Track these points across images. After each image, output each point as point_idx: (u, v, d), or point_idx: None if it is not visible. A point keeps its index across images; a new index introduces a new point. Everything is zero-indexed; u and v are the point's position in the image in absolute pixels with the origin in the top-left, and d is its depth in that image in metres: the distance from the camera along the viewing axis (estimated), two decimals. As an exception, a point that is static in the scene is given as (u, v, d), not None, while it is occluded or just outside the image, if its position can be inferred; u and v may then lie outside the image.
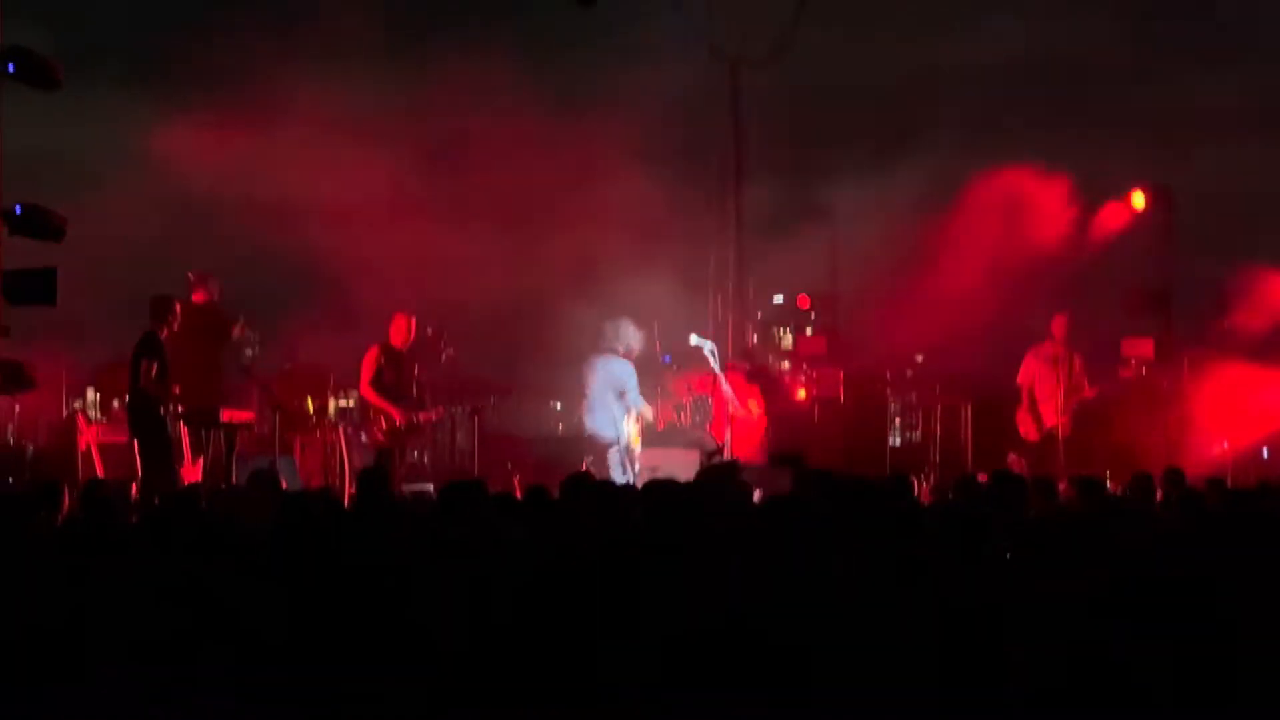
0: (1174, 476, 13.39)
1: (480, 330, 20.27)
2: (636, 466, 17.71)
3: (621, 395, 18.19)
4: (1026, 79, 20.88)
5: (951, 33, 21.05)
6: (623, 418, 18.00)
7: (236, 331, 18.26)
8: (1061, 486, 12.96)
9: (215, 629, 8.14)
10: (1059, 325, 19.50)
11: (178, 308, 17.42)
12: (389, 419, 17.93)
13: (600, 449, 18.12)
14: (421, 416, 18.33)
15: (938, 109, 21.19)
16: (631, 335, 18.34)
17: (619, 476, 17.52)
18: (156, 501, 13.60)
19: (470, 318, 20.15)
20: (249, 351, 19.48)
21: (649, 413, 18.39)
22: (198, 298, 18.05)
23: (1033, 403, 19.39)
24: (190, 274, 18.14)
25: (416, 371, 18.54)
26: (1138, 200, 21.49)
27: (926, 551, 8.37)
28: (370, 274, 20.62)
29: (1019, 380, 19.56)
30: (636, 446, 18.01)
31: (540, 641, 7.79)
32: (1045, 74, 20.92)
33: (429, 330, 19.13)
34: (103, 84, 19.09)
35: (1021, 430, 19.49)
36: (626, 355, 18.35)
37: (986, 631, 7.57)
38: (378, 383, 18.10)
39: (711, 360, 18.74)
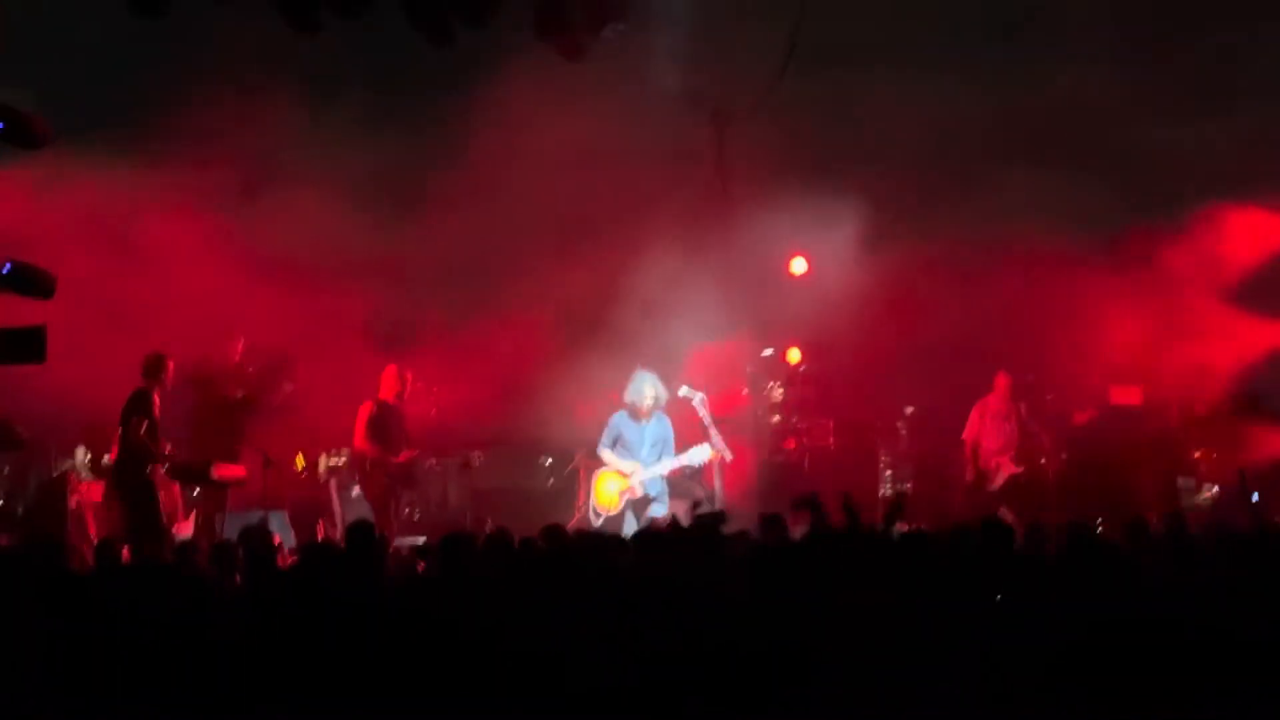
0: (1172, 521, 13.42)
1: (468, 384, 20.24)
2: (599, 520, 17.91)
3: (614, 445, 18.28)
4: (1018, 127, 20.87)
5: (945, 80, 21.03)
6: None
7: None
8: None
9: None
10: (1002, 382, 20.04)
11: (170, 366, 17.47)
12: (385, 468, 18.06)
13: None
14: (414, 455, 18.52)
15: (928, 159, 21.17)
16: (640, 388, 18.40)
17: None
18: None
19: (458, 372, 20.14)
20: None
21: (625, 466, 18.34)
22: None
23: (975, 455, 19.83)
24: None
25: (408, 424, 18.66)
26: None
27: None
28: (357, 328, 20.63)
29: (964, 436, 20.00)
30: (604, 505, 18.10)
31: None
32: (1037, 121, 20.92)
33: (408, 376, 19.15)
34: (92, 142, 19.05)
35: (981, 485, 19.84)
36: (634, 409, 18.37)
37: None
38: (372, 436, 18.22)
39: (700, 410, 18.78)
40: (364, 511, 17.88)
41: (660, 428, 18.40)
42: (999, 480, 19.71)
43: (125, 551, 15.75)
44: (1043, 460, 20.00)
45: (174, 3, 18.07)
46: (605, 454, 18.44)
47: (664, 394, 18.47)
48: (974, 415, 20.09)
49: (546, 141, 20.89)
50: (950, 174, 21.07)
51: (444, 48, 19.32)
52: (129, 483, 17.11)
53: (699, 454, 18.22)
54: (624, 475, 18.22)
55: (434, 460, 19.13)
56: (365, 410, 18.50)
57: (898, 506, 12.43)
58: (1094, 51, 21.37)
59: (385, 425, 18.44)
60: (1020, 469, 19.64)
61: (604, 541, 10.56)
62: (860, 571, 8.98)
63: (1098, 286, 21.13)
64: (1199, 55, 20.77)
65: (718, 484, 18.78)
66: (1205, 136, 20.55)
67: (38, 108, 15.86)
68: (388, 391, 18.62)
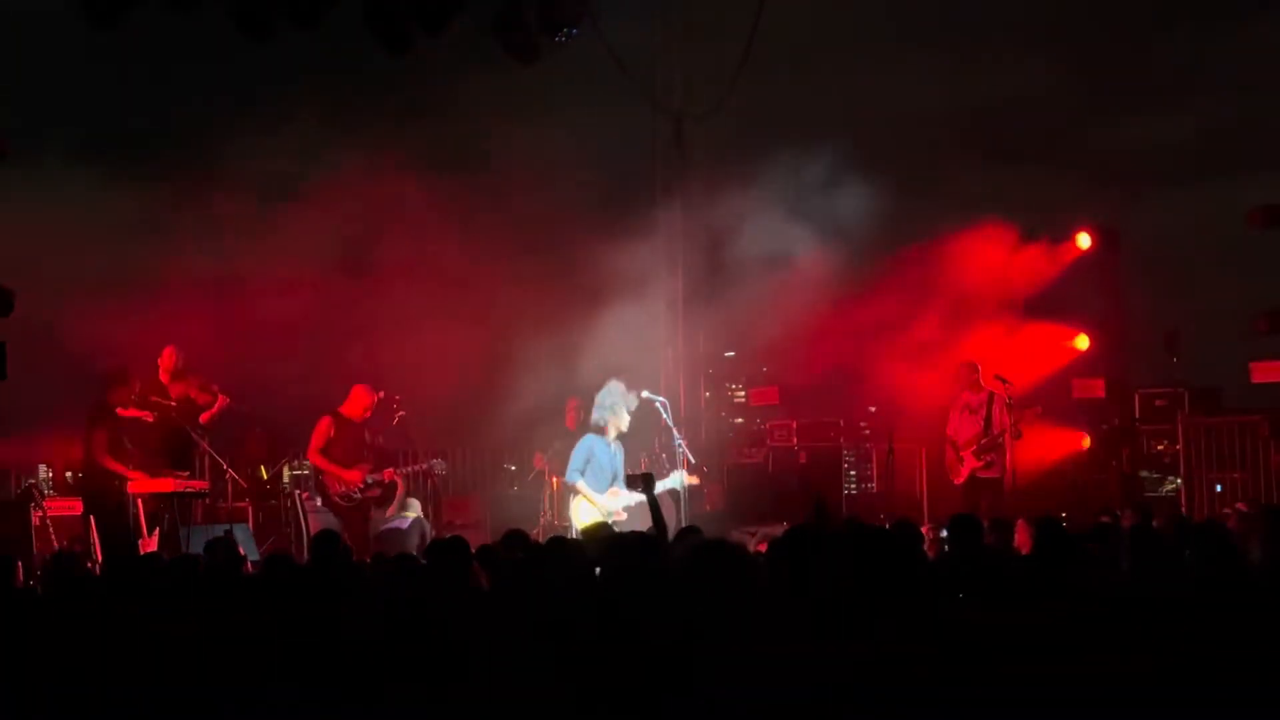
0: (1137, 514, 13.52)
1: (430, 391, 20.18)
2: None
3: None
4: (970, 122, 20.94)
5: (894, 75, 21.08)
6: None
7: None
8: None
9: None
10: (967, 374, 19.71)
11: (133, 381, 17.44)
12: (344, 483, 17.93)
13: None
14: (384, 475, 18.32)
15: (882, 153, 21.20)
16: (602, 406, 17.27)
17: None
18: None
19: (420, 379, 20.06)
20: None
21: (604, 502, 17.64)
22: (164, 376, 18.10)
23: (955, 450, 19.55)
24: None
25: (369, 438, 18.53)
26: (1082, 241, 21.71)
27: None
28: (320, 339, 20.58)
29: (946, 432, 19.77)
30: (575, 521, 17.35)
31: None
32: (990, 116, 20.99)
33: (380, 393, 19.04)
34: (51, 157, 18.98)
35: (951, 476, 19.63)
36: (597, 429, 17.65)
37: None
38: (327, 452, 18.09)
39: (664, 414, 18.68)
40: (329, 522, 17.79)
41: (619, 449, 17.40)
42: (961, 474, 19.47)
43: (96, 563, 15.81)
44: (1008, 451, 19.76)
45: (128, 13, 18.19)
46: (580, 484, 16.93)
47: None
48: (950, 411, 19.87)
49: (503, 144, 20.90)
50: (911, 170, 21.08)
51: (401, 53, 19.38)
52: (95, 497, 17.09)
53: (675, 480, 17.10)
54: (601, 510, 16.80)
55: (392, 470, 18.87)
56: (322, 424, 18.30)
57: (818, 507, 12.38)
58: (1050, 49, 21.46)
59: (344, 440, 18.29)
60: (981, 462, 19.41)
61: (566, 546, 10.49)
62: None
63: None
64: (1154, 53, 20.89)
65: (682, 489, 18.71)
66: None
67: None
68: (353, 408, 18.40)
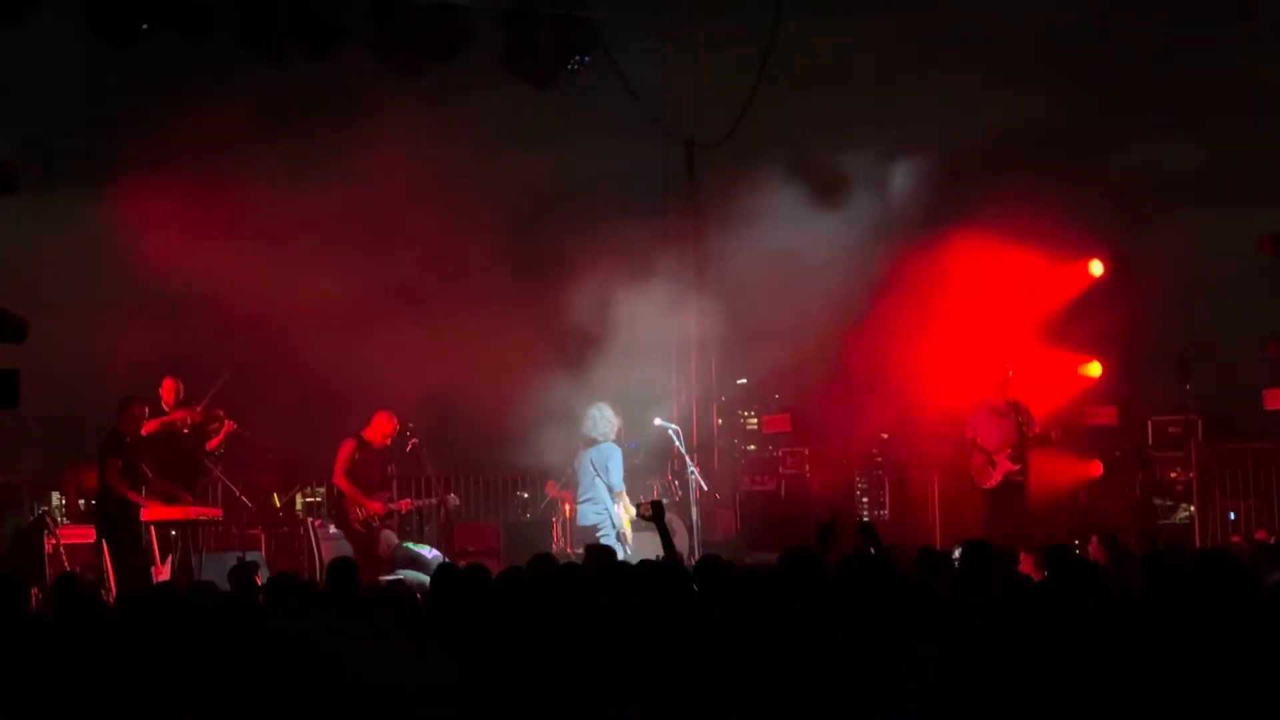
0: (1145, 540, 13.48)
1: (443, 418, 20.17)
2: (629, 549, 17.37)
3: (605, 472, 17.86)
4: (986, 145, 20.86)
5: (908, 100, 21.06)
6: (612, 502, 17.65)
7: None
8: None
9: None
10: (999, 381, 19.70)
11: (144, 409, 17.49)
12: (367, 510, 17.96)
13: (589, 535, 17.88)
14: (401, 505, 18.36)
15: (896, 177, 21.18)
16: (610, 419, 18.06)
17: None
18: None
19: (433, 405, 20.06)
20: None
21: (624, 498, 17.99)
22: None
23: (987, 456, 19.47)
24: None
25: (386, 465, 18.58)
26: (1095, 268, 21.69)
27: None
28: (335, 367, 20.56)
29: (966, 434, 19.70)
30: (628, 530, 17.64)
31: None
32: (1005, 141, 20.92)
33: (397, 421, 19.09)
34: (65, 186, 19.00)
35: (978, 480, 19.53)
36: (606, 439, 18.05)
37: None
38: (351, 475, 18.13)
39: (676, 441, 18.76)
40: (342, 549, 17.79)
41: None
42: (994, 479, 19.39)
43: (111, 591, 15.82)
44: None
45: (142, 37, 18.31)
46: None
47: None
48: (975, 415, 19.76)
49: (518, 170, 20.92)
50: (921, 195, 21.01)
51: (413, 78, 19.49)
52: (110, 525, 17.12)
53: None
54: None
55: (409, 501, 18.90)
56: (347, 447, 18.37)
57: (827, 530, 12.36)
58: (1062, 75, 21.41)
59: (366, 465, 18.35)
60: (1016, 466, 19.31)
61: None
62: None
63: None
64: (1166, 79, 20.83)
65: (695, 514, 18.74)
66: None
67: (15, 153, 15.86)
68: (375, 433, 18.48)
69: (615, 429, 17.88)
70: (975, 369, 20.25)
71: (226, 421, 18.54)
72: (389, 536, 18.08)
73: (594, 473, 17.68)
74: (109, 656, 8.58)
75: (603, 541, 17.27)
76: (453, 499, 19.08)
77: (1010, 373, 19.64)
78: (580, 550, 17.19)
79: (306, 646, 8.24)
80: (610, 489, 17.58)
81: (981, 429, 19.52)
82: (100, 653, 8.68)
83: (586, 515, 17.75)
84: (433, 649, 8.48)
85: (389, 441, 18.52)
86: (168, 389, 18.35)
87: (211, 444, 18.49)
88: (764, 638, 8.05)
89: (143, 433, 17.53)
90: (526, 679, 7.92)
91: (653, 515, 13.19)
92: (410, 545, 17.81)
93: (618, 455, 17.80)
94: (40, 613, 10.91)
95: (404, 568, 17.04)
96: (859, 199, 20.73)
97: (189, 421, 18.39)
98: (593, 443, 17.84)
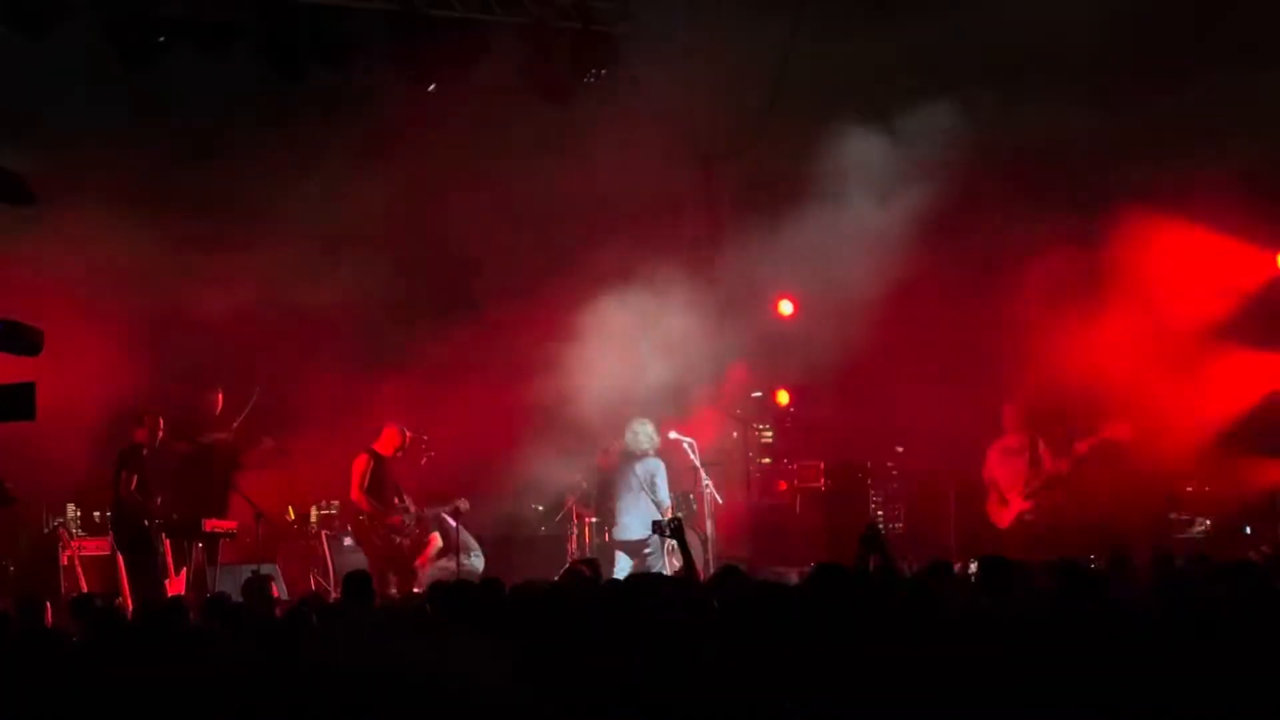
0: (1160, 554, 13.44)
1: (455, 432, 20.20)
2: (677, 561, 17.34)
3: (651, 489, 18.04)
4: (1008, 163, 20.72)
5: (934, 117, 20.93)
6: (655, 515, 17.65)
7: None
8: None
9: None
10: (1009, 415, 19.69)
11: (159, 421, 17.54)
12: (386, 525, 18.05)
13: (636, 549, 17.94)
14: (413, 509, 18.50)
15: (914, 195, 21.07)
16: (651, 434, 18.37)
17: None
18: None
19: (447, 420, 20.10)
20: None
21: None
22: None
23: (999, 494, 19.44)
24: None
25: (397, 480, 18.65)
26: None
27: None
28: (350, 380, 20.58)
29: (984, 476, 19.68)
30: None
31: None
32: (1028, 158, 20.78)
33: (408, 434, 19.15)
34: (86, 200, 19.01)
35: (993, 520, 19.53)
36: (649, 455, 18.29)
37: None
38: (367, 490, 18.23)
39: (691, 454, 18.80)
40: (357, 562, 17.84)
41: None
42: (1007, 519, 19.41)
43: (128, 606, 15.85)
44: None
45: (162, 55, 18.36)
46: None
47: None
48: (990, 453, 19.86)
49: (534, 185, 20.91)
50: (941, 212, 20.90)
51: (426, 89, 19.49)
52: (125, 537, 17.17)
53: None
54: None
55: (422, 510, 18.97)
56: (361, 462, 18.50)
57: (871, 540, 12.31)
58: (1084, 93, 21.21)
59: (380, 480, 18.45)
60: (1029, 505, 19.32)
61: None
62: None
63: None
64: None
65: (710, 527, 18.77)
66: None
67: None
68: (386, 446, 18.61)
69: (656, 444, 18.09)
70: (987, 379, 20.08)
71: (266, 439, 18.72)
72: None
73: (638, 487, 17.84)
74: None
75: (649, 556, 17.45)
76: (462, 502, 19.15)
77: (1013, 409, 19.53)
78: (621, 566, 17.35)
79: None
80: (658, 504, 17.75)
81: (996, 468, 19.52)
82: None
83: (632, 528, 17.84)
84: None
85: (400, 455, 18.67)
86: (216, 402, 18.52)
87: (249, 457, 18.67)
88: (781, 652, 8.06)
89: (179, 449, 17.69)
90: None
91: (673, 531, 13.23)
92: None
93: (663, 470, 18.11)
94: (56, 628, 10.91)
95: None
96: (875, 208, 20.69)
97: (226, 442, 18.55)
98: (633, 457, 17.99)
